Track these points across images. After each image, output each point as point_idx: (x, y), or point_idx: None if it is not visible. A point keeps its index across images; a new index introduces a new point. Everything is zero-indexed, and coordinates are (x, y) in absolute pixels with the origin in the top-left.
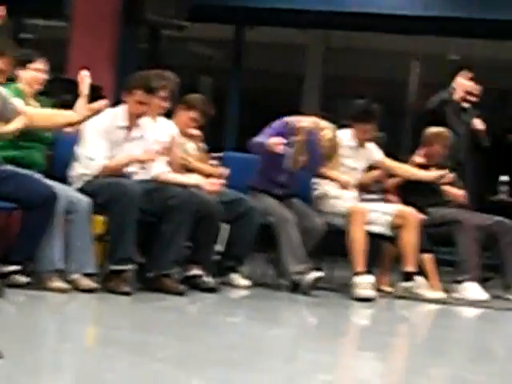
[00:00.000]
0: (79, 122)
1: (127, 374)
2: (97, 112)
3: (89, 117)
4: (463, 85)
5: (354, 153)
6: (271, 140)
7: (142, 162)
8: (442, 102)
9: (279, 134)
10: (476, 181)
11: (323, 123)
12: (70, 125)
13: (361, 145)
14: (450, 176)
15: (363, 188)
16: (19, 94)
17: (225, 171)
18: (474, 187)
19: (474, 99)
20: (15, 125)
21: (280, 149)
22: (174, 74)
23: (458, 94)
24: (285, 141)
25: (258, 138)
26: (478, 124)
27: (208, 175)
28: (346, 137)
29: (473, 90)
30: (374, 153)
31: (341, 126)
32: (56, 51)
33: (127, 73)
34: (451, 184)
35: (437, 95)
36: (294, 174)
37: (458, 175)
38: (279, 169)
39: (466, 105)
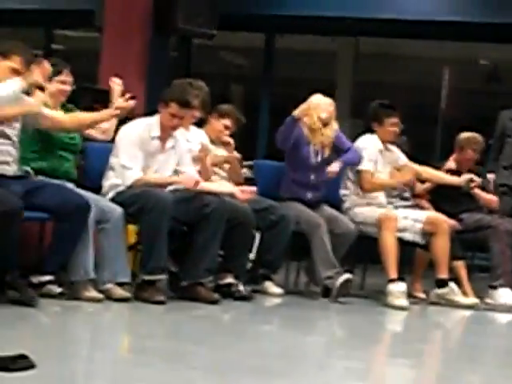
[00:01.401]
0: (107, 120)
1: (161, 382)
2: (123, 110)
3: (115, 116)
4: None
5: (380, 157)
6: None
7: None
8: None
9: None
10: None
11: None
12: (97, 123)
13: (386, 148)
14: (477, 181)
15: (392, 194)
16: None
17: (253, 189)
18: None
19: None
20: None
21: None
22: (204, 82)
23: None
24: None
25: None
26: None
27: (239, 183)
28: (372, 141)
29: None
30: (399, 156)
31: (368, 131)
32: (86, 62)
33: (158, 82)
34: (483, 189)
35: None
36: (322, 172)
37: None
38: (305, 168)
39: None
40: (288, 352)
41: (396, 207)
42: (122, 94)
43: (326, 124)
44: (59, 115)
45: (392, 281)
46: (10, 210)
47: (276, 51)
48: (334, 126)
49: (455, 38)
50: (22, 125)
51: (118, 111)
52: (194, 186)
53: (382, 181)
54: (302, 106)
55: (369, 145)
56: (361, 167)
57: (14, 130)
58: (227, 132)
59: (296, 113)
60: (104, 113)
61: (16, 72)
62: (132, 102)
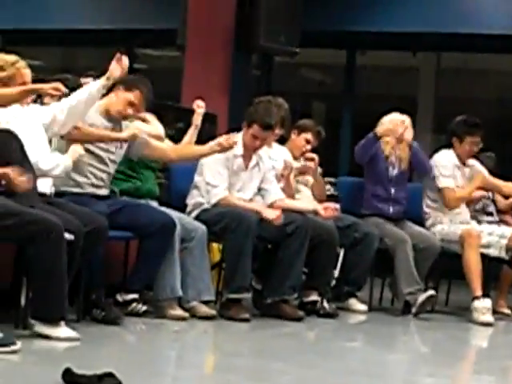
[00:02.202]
0: (207, 156)
1: None
2: (227, 149)
3: (218, 152)
4: None
5: (458, 172)
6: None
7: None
8: None
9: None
10: None
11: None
12: (198, 157)
13: (464, 164)
14: None
15: (478, 210)
16: None
17: (336, 206)
18: None
19: None
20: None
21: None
22: (285, 100)
23: None
24: None
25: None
26: None
27: (323, 201)
28: (447, 157)
29: None
30: (479, 171)
31: (447, 147)
32: (169, 80)
33: (240, 100)
34: None
35: None
36: (402, 185)
37: None
38: (384, 182)
39: None
40: (373, 370)
41: (479, 222)
42: (206, 114)
43: (401, 140)
44: (163, 146)
45: (477, 298)
46: (95, 229)
47: (357, 68)
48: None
49: None
50: (125, 153)
51: (219, 148)
52: (277, 220)
53: (460, 193)
54: (385, 126)
55: (444, 161)
56: (442, 185)
57: (108, 154)
58: (309, 147)
59: (378, 131)
60: (205, 148)
61: (132, 106)
62: (235, 141)
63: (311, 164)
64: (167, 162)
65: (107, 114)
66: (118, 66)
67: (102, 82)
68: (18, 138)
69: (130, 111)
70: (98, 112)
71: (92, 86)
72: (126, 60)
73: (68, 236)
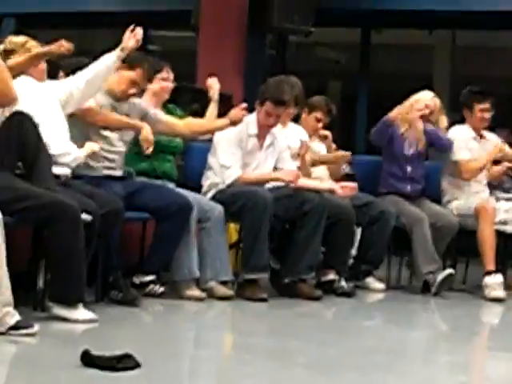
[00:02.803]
0: (221, 130)
1: (267, 379)
2: (235, 122)
3: (229, 126)
4: None
5: (475, 145)
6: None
7: (281, 180)
8: None
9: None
10: None
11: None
12: (212, 132)
13: (481, 136)
14: None
15: (495, 186)
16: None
17: (354, 185)
18: None
19: None
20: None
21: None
22: (300, 79)
23: None
24: None
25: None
26: None
27: (339, 180)
28: (462, 130)
29: None
30: (495, 141)
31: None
32: (183, 62)
33: (255, 80)
34: None
35: None
36: (418, 164)
37: None
38: (401, 160)
39: None
40: (391, 347)
41: (498, 199)
42: (221, 95)
43: (422, 117)
44: (174, 120)
45: (489, 273)
46: (111, 210)
47: (372, 46)
48: (443, 120)
49: None
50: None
51: (233, 121)
52: (295, 181)
53: (476, 164)
54: (399, 108)
55: (459, 134)
56: (456, 157)
57: (118, 134)
58: (320, 125)
59: (391, 115)
60: (219, 123)
61: (135, 84)
62: (245, 113)
63: (328, 142)
64: (178, 136)
65: (112, 93)
66: (132, 37)
67: (116, 53)
68: (33, 120)
69: (133, 90)
70: (103, 92)
71: (107, 59)
72: (139, 31)
73: (85, 216)
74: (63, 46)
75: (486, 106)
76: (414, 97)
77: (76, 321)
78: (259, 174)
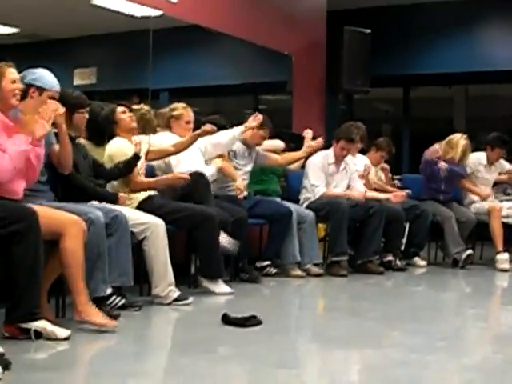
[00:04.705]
0: (303, 157)
1: (348, 330)
2: (315, 150)
3: (310, 153)
4: None
5: (487, 169)
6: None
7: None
8: None
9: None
10: None
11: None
12: (296, 161)
13: (490, 164)
14: None
15: (498, 190)
16: None
17: (407, 191)
18: None
19: None
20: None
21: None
22: (362, 123)
23: None
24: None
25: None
26: None
27: (393, 191)
28: (481, 157)
29: None
30: (504, 165)
31: (479, 150)
32: (283, 116)
33: (332, 126)
34: None
35: None
36: (450, 183)
37: None
38: (437, 180)
39: None
40: (432, 305)
41: (501, 201)
42: (313, 138)
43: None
44: (277, 157)
45: (498, 252)
46: (238, 218)
47: (411, 99)
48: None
49: None
50: (254, 163)
51: (311, 149)
52: (362, 198)
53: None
54: (434, 150)
55: (473, 159)
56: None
57: (243, 167)
58: (382, 160)
59: (431, 156)
60: (300, 152)
61: (263, 139)
62: (320, 142)
63: (387, 172)
64: (279, 166)
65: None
66: (254, 120)
67: (240, 131)
68: (206, 177)
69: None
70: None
71: (234, 132)
72: (260, 116)
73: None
74: (212, 131)
75: (504, 151)
76: (448, 138)
77: (218, 293)
78: (338, 193)
